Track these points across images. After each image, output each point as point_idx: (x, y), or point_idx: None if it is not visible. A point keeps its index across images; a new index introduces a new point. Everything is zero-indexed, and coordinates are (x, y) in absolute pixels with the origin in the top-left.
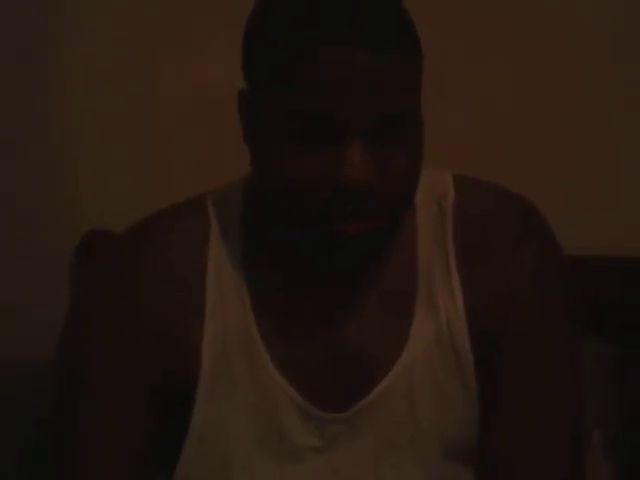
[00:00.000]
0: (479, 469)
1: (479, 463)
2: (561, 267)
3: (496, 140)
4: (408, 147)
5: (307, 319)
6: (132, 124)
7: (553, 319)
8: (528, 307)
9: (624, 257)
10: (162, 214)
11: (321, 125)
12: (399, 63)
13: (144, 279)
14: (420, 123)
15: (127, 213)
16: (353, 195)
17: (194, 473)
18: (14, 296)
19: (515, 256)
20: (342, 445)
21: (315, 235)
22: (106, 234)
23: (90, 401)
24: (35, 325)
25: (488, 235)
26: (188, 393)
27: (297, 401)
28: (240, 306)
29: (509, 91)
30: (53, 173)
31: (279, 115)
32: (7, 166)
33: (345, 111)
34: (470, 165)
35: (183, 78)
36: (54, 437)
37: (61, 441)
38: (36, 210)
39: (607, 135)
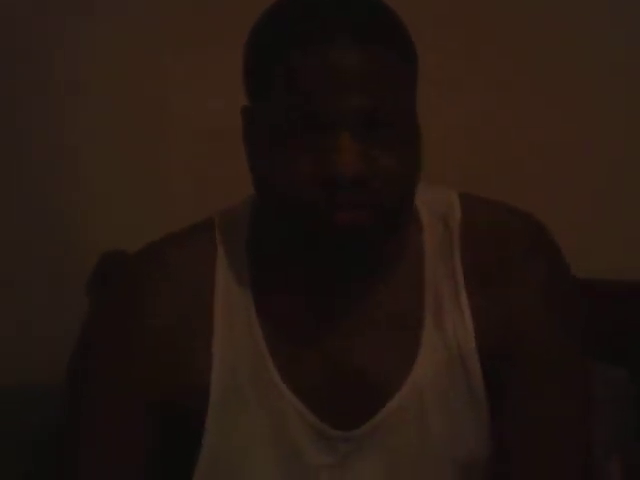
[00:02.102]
0: None
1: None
2: (569, 283)
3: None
4: (400, 151)
5: (316, 339)
6: (144, 144)
7: (563, 334)
8: (538, 323)
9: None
10: (170, 238)
11: (308, 122)
12: (382, 58)
13: (150, 303)
14: (414, 130)
15: (141, 231)
16: (340, 183)
17: None
18: (31, 317)
19: (523, 273)
20: (354, 464)
21: (306, 227)
22: (122, 255)
23: (90, 417)
24: (51, 345)
25: (495, 253)
26: (197, 418)
27: (309, 420)
28: (249, 328)
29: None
30: (67, 193)
31: (267, 119)
32: (20, 186)
33: (329, 106)
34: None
35: (195, 103)
36: (58, 453)
37: (63, 456)
38: (52, 229)
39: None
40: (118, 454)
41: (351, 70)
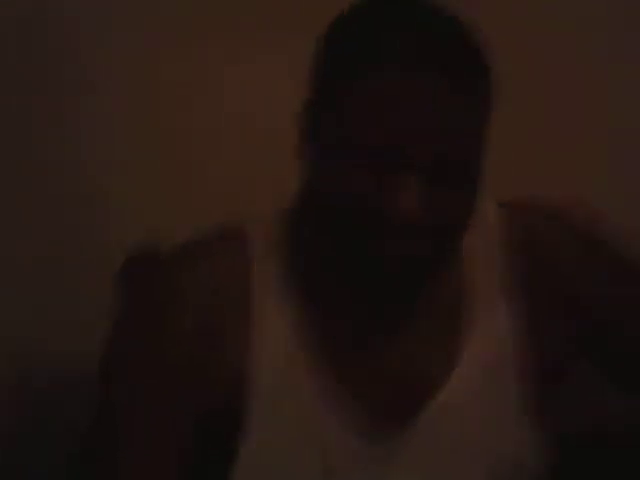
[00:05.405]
0: None
1: None
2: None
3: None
4: (464, 196)
5: (360, 342)
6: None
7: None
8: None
9: None
10: (203, 239)
11: (386, 154)
12: (465, 92)
13: (186, 304)
14: (481, 175)
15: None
16: (399, 226)
17: None
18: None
19: (583, 274)
20: (391, 465)
21: (355, 220)
22: (152, 252)
23: (127, 418)
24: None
25: (542, 260)
26: (236, 421)
27: (347, 421)
28: (283, 334)
29: None
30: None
31: (345, 137)
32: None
33: (411, 144)
34: None
35: (218, 109)
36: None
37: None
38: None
39: None
40: (156, 457)
41: (436, 103)
